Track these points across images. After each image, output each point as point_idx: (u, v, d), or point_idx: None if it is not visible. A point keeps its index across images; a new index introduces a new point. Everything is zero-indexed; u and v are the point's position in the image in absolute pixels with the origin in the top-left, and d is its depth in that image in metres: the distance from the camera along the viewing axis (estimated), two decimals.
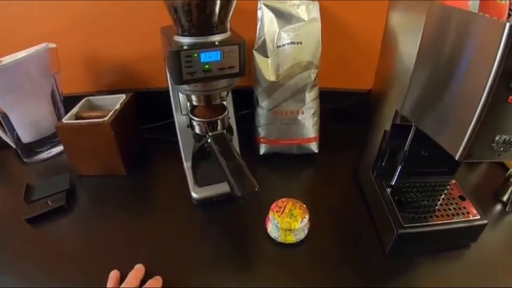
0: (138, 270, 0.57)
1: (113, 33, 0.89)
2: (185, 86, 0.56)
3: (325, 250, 0.61)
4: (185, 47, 0.51)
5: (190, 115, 0.64)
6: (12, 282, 0.58)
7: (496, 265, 0.59)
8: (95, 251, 0.63)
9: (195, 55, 0.51)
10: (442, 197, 0.65)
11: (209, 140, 0.62)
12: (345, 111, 0.91)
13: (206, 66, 0.53)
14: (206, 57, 0.52)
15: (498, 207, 0.71)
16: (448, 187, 0.68)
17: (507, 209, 0.69)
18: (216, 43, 0.53)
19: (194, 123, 0.63)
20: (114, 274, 0.56)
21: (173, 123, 0.75)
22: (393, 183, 0.65)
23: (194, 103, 0.61)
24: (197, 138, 0.66)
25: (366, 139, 0.73)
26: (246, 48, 0.54)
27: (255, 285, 0.56)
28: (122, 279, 0.56)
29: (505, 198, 0.71)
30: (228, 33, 0.56)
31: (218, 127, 0.63)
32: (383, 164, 0.67)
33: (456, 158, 0.45)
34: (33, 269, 0.60)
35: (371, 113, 0.71)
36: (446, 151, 0.47)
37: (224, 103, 0.65)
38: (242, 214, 0.69)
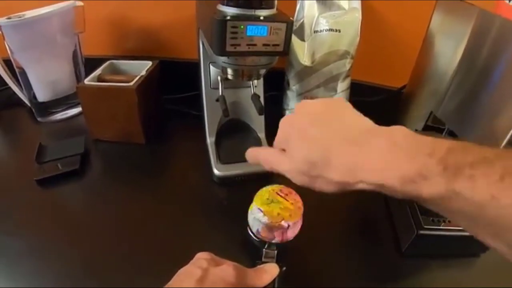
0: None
1: None
2: (224, 58, 0.54)
3: (341, 244, 0.61)
4: (230, 18, 0.49)
5: None
6: (16, 244, 0.55)
7: (503, 279, 0.59)
8: (105, 219, 0.61)
9: (242, 27, 0.50)
10: None
11: None
12: (373, 106, 0.88)
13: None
14: (253, 31, 0.50)
15: None
16: None
17: None
18: (261, 17, 0.51)
19: None
20: None
21: (195, 96, 0.73)
22: None
23: (230, 77, 0.59)
24: None
25: None
26: (292, 28, 0.53)
27: None
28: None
29: None
30: (275, 10, 0.54)
31: None
32: None
33: None
34: (39, 232, 0.58)
35: (401, 111, 0.71)
36: None
37: (256, 81, 0.64)
38: None
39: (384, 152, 0.30)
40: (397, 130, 0.31)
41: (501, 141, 0.44)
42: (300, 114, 0.38)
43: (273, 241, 0.49)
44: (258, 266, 0.44)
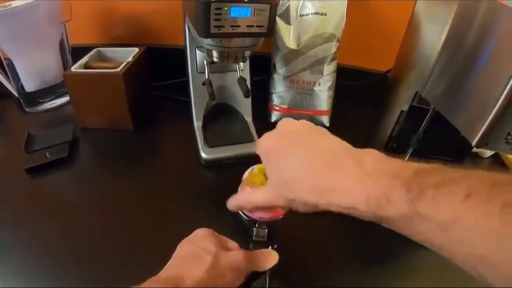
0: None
1: None
2: (209, 41, 0.55)
3: (330, 223, 0.61)
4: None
5: None
6: (6, 234, 0.55)
7: None
8: (94, 206, 0.61)
9: (226, 8, 0.50)
10: None
11: None
12: (359, 89, 0.89)
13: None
14: (237, 12, 0.51)
15: None
16: None
17: None
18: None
19: None
20: None
21: (183, 82, 0.73)
22: None
23: (215, 59, 0.59)
24: None
25: (379, 119, 0.73)
26: (276, 10, 0.53)
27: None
28: None
29: None
30: None
31: None
32: (394, 145, 0.67)
33: (473, 144, 0.46)
34: (28, 221, 0.58)
35: (387, 94, 0.71)
36: (455, 140, 0.50)
37: (242, 64, 0.65)
38: None
39: (352, 176, 0.30)
40: (367, 154, 0.32)
41: (488, 115, 0.44)
42: (280, 132, 0.39)
43: (263, 219, 0.49)
44: (260, 250, 0.44)
